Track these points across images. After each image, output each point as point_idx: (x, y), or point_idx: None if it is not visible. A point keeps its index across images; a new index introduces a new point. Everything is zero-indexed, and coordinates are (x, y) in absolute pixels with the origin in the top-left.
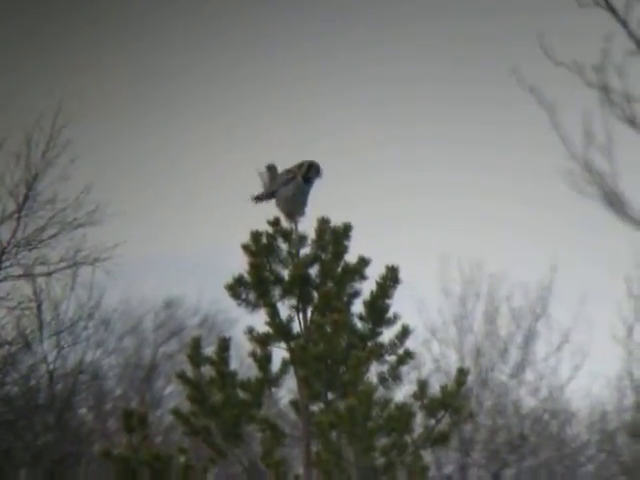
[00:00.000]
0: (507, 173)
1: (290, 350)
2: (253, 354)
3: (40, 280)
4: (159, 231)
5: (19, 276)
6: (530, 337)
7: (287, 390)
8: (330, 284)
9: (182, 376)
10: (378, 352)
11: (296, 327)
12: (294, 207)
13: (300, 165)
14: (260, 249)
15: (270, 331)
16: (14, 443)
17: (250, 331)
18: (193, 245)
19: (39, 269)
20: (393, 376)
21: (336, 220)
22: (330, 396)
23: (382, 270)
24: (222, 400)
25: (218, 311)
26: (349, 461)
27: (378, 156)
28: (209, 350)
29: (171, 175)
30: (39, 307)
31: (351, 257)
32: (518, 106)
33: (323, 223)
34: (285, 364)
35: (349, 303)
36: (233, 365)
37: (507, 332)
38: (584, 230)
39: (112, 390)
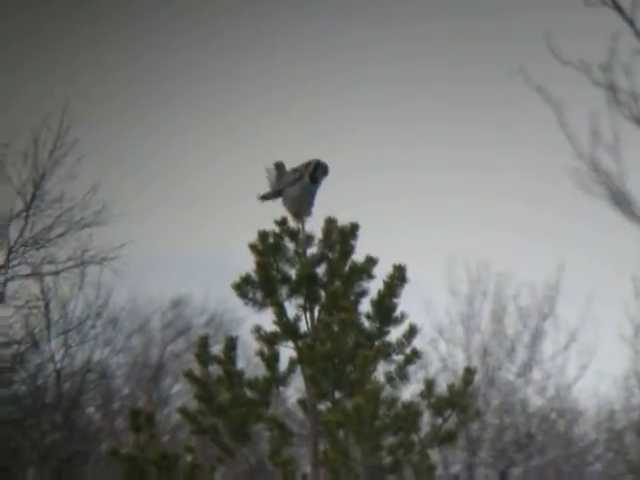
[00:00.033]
0: (513, 172)
1: (297, 349)
2: (260, 353)
3: (48, 279)
4: (166, 230)
5: (27, 275)
6: (537, 336)
7: (295, 389)
8: (337, 283)
9: (189, 375)
10: (385, 351)
11: (303, 326)
12: (301, 207)
13: (307, 164)
14: (267, 248)
15: (277, 330)
16: (22, 442)
17: (257, 330)
18: (200, 244)
19: (47, 268)
20: (400, 375)
21: (342, 219)
22: (337, 395)
23: (389, 269)
24: (229, 399)
25: (225, 310)
26: (356, 460)
27: (382, 155)
28: (216, 349)
29: (177, 174)
30: (47, 306)
31: (358, 256)
32: (524, 105)
33: (330, 223)
34: (292, 363)
35: (356, 302)
36: (240, 364)
37: (514, 331)
38: (591, 229)
39: (119, 389)
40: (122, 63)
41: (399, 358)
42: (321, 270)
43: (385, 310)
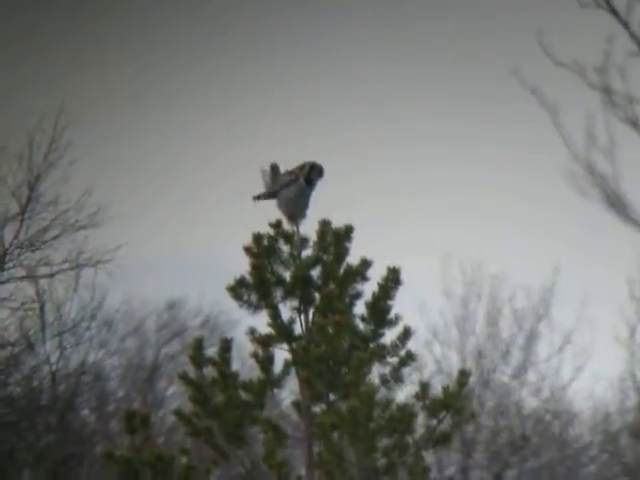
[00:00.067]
0: (508, 173)
1: (292, 351)
2: (255, 355)
3: (43, 281)
4: (160, 233)
5: (22, 277)
6: (532, 338)
7: (289, 391)
8: (332, 285)
9: (184, 377)
10: (380, 353)
11: (298, 328)
12: (296, 209)
13: (302, 166)
14: (262, 251)
15: (272, 332)
16: (17, 444)
17: (252, 332)
18: (195, 246)
19: (42, 270)
20: (395, 377)
21: (337, 220)
22: (332, 397)
23: (383, 271)
24: (224, 401)
25: (220, 312)
26: (351, 462)
27: (378, 154)
28: (211, 351)
29: (172, 176)
30: (42, 308)
31: (353, 258)
32: (519, 105)
33: (324, 225)
34: (287, 365)
35: (351, 304)
36: (235, 366)
37: (509, 334)
38: (586, 231)
39: (114, 391)
40: (117, 63)
41: (394, 360)
42: (316, 272)
43: (379, 312)
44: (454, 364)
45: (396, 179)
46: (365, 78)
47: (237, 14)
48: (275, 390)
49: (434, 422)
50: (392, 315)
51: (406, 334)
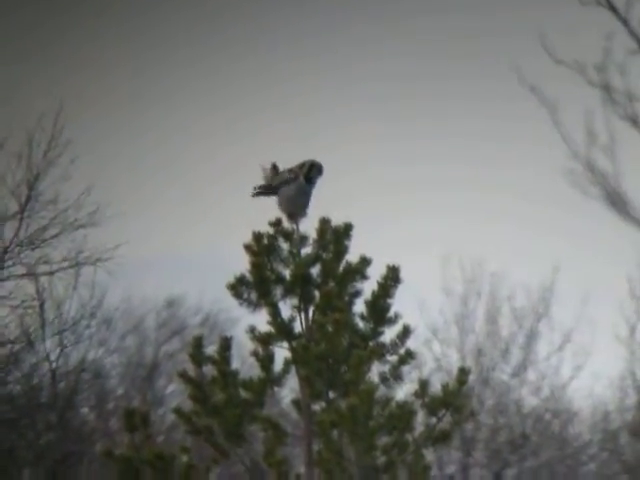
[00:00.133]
0: (508, 171)
1: (292, 349)
2: (255, 353)
3: (43, 279)
4: (160, 231)
5: (22, 275)
6: (532, 337)
7: (289, 389)
8: (331, 284)
9: (184, 375)
10: (379, 352)
11: (298, 327)
12: (296, 208)
13: (302, 165)
14: (262, 249)
15: (272, 330)
16: (17, 442)
17: (252, 330)
18: (194, 244)
19: (42, 268)
20: (394, 375)
21: (336, 217)
22: (332, 395)
23: (383, 269)
24: (224, 399)
25: (220, 310)
26: (350, 460)
27: (378, 151)
28: (211, 349)
29: (172, 174)
30: (42, 306)
31: (352, 256)
32: (519, 102)
33: (324, 223)
34: (287, 363)
35: (350, 303)
36: (235, 364)
37: (509, 332)
38: (586, 230)
39: (114, 389)
40: (116, 61)
41: (393, 358)
42: (315, 270)
43: (379, 310)
44: (454, 362)
45: (395, 176)
46: (365, 75)
47: (237, 11)
48: (275, 388)
49: (434, 420)
50: (392, 313)
51: (405, 332)
